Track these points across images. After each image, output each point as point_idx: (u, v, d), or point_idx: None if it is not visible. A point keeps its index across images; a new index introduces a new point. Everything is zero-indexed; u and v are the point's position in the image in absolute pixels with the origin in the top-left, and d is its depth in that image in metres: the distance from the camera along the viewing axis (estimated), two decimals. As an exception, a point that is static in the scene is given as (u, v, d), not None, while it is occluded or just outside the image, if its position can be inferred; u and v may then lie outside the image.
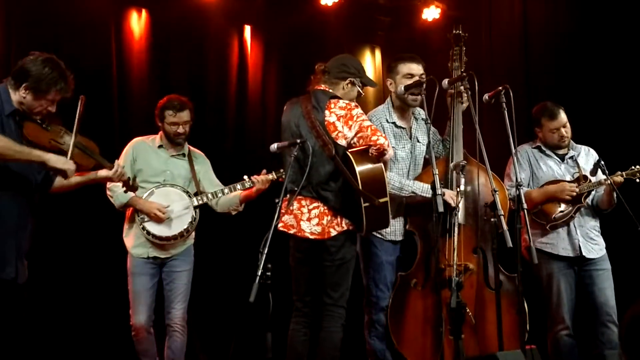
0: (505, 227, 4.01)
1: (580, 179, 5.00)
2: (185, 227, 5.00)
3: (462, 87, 4.82)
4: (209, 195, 5.10)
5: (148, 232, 4.94)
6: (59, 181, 4.08)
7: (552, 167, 5.16)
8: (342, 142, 4.32)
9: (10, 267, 3.80)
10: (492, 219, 4.22)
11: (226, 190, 5.12)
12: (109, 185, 4.93)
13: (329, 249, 4.31)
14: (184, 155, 5.19)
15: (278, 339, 4.21)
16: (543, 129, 5.18)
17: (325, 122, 4.34)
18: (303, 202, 4.33)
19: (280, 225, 4.29)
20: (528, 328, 4.55)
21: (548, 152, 5.20)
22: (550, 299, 5.04)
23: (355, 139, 4.32)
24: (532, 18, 6.99)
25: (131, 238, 5.04)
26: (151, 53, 6.53)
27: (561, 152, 5.20)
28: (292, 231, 4.35)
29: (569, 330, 5.00)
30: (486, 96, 4.45)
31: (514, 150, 4.37)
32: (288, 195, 4.28)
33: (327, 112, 4.35)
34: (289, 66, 7.02)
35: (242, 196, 5.14)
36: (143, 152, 5.12)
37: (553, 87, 6.57)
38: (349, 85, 4.51)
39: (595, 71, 6.48)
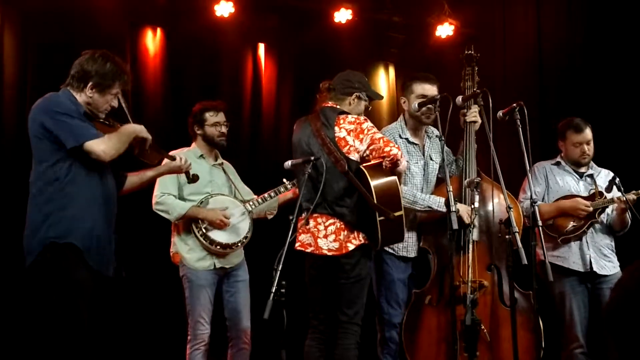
0: (519, 244, 3.98)
1: (596, 195, 4.97)
2: (246, 232, 4.93)
3: (473, 105, 4.82)
4: (259, 200, 5.04)
5: (212, 242, 4.80)
6: (129, 182, 4.10)
7: (568, 182, 5.14)
8: (355, 156, 4.33)
9: (112, 265, 3.88)
10: (507, 236, 4.18)
11: (272, 194, 5.06)
12: (157, 199, 4.83)
13: (343, 267, 4.30)
14: (220, 164, 5.12)
15: (293, 356, 4.21)
16: (566, 142, 5.15)
17: (336, 138, 4.34)
18: (319, 220, 4.33)
19: (297, 244, 4.32)
20: (543, 345, 4.53)
21: (567, 168, 5.17)
22: (563, 317, 5.01)
23: (368, 152, 4.32)
24: (547, 34, 7.00)
25: (192, 251, 4.87)
26: (166, 71, 6.57)
27: (581, 170, 5.18)
28: (309, 249, 4.34)
29: (584, 348, 4.95)
30: (500, 113, 4.44)
31: (528, 167, 4.35)
32: (304, 214, 4.29)
33: (336, 128, 4.36)
34: (302, 84, 7.03)
35: (280, 199, 5.12)
36: (192, 164, 4.99)
37: (568, 104, 6.56)
38: (356, 100, 4.53)
39: (611, 88, 6.47)
